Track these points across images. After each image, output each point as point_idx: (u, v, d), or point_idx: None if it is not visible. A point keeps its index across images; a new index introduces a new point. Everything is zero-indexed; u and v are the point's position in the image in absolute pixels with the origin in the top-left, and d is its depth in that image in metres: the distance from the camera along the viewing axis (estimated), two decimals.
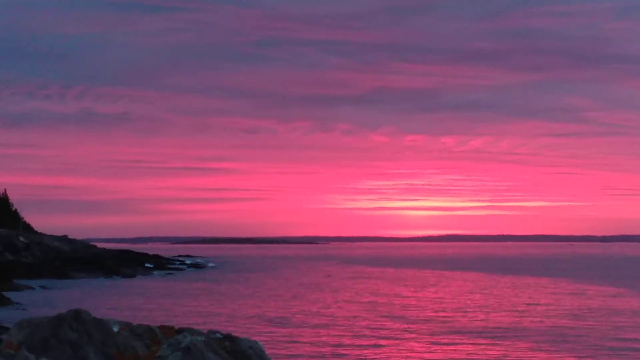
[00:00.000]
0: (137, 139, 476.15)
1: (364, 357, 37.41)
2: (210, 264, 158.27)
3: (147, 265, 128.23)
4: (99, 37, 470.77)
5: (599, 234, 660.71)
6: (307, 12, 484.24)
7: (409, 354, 38.25)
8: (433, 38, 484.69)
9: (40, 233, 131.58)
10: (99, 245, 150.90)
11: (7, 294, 66.86)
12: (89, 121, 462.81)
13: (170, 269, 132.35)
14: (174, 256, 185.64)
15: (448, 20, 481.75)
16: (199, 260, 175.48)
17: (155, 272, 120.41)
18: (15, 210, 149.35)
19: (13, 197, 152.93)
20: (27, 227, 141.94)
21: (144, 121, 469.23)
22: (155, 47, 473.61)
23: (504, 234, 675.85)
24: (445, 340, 42.86)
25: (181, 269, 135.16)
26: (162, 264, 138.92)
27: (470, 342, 42.27)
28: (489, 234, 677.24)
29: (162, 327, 10.05)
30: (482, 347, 40.55)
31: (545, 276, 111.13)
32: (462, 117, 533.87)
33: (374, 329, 48.37)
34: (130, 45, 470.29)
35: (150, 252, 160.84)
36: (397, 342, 42.52)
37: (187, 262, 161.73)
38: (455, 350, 39.50)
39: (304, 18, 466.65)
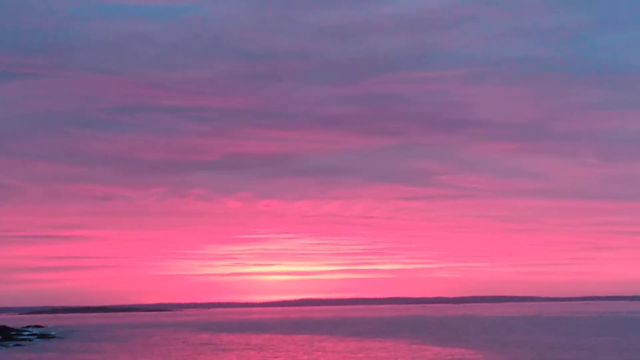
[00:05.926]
0: None
1: None
2: (62, 335, 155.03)
3: None
4: None
5: (451, 295, 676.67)
6: (162, 78, 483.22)
7: None
8: (289, 103, 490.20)
9: None
10: None
11: None
12: None
13: (19, 340, 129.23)
14: (23, 327, 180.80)
15: (304, 85, 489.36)
16: (49, 331, 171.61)
17: (2, 344, 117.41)
18: None
19: None
20: None
21: None
22: (6, 113, 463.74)
23: (359, 297, 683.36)
24: None
25: (30, 340, 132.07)
26: (9, 335, 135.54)
27: None
28: (344, 297, 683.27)
29: None
30: None
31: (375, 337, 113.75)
32: (316, 181, 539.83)
33: None
34: None
35: None
36: None
37: (37, 332, 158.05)
38: None
39: (159, 84, 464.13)
